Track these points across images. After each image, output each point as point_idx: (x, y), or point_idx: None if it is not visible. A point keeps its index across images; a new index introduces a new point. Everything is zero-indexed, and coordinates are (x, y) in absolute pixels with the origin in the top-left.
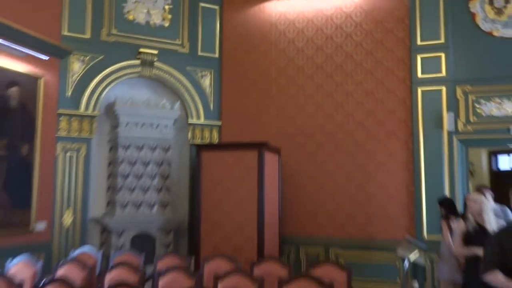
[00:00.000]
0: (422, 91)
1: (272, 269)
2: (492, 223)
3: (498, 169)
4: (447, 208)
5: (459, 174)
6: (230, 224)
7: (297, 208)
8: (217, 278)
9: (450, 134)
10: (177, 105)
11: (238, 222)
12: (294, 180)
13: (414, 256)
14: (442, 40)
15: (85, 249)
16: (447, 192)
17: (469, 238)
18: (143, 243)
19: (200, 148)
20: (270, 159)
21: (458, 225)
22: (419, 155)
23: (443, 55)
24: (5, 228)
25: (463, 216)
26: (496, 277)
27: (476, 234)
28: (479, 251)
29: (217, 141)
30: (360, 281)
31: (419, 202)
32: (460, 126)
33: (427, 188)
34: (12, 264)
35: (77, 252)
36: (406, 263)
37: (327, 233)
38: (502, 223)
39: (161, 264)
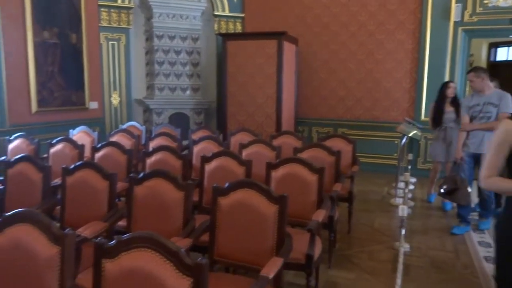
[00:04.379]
0: None
1: (288, 141)
2: None
3: (495, 60)
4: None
5: (460, 64)
6: (252, 105)
7: (311, 92)
8: (242, 147)
9: (456, 24)
10: None
11: (259, 103)
12: (310, 67)
13: (412, 133)
14: None
15: (132, 123)
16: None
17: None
18: (179, 121)
19: (225, 37)
20: (288, 48)
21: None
22: (425, 44)
23: None
24: (65, 105)
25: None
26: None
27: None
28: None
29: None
30: (363, 156)
31: (420, 87)
32: (466, 17)
33: (429, 75)
34: (74, 133)
35: (125, 125)
36: (404, 139)
37: (337, 115)
38: None
39: (195, 136)
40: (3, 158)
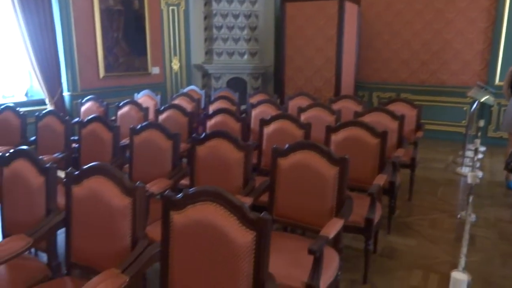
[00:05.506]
0: None
1: (348, 105)
2: None
3: None
4: None
5: None
6: (311, 68)
7: (373, 55)
8: (300, 110)
9: None
10: None
11: (318, 67)
12: (372, 28)
13: (484, 98)
14: None
15: (191, 87)
16: None
17: None
18: (236, 86)
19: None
20: (350, 8)
21: None
22: None
23: None
24: (129, 71)
25: None
26: None
27: None
28: None
29: None
30: (428, 123)
31: (496, 49)
32: None
33: (508, 34)
34: (138, 97)
35: (185, 89)
36: (475, 105)
37: (400, 79)
38: None
39: (253, 100)
40: (77, 119)
